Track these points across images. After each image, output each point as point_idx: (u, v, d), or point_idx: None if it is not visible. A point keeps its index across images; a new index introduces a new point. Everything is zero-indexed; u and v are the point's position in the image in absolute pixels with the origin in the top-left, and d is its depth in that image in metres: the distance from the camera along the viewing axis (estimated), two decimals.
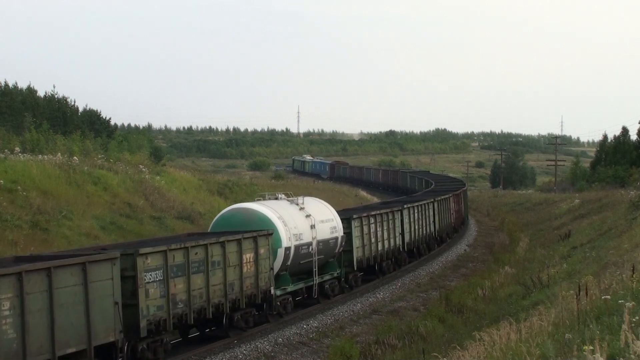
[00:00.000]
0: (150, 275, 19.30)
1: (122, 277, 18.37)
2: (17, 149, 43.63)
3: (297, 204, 28.55)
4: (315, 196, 77.12)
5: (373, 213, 34.31)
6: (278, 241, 25.86)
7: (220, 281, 22.35)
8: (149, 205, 42.77)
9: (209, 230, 27.11)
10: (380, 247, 34.69)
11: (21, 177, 36.41)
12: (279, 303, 26.26)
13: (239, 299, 23.37)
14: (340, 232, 30.33)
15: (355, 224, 31.99)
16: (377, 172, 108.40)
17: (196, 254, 21.16)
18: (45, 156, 42.96)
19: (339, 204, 67.31)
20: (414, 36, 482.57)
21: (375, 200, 78.98)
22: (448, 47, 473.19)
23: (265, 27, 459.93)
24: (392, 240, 36.32)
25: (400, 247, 37.83)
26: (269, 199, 28.88)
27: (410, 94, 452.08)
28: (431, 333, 22.76)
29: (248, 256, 23.71)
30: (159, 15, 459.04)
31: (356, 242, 32.04)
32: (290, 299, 27.16)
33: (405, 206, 38.93)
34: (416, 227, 40.78)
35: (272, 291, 25.26)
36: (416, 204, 41.39)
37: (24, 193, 34.92)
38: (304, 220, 27.93)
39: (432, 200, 45.65)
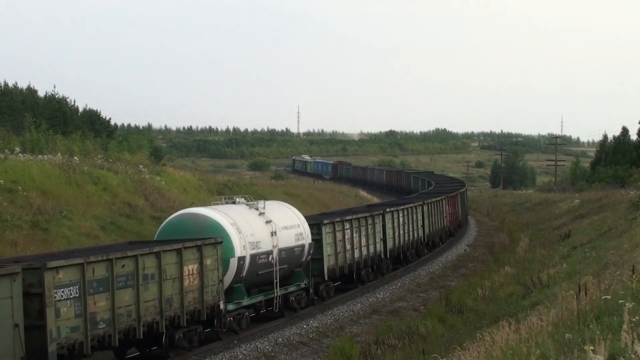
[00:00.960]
0: (63, 292, 16.99)
1: (28, 294, 16.24)
2: (17, 149, 43.60)
3: (257, 209, 26.01)
4: (316, 196, 77.42)
5: (348, 218, 31.81)
6: (230, 250, 23.41)
7: (154, 297, 19.80)
8: (149, 205, 42.74)
9: (155, 238, 24.46)
10: (357, 255, 32.22)
11: (21, 177, 36.38)
12: (231, 319, 23.67)
13: (179, 316, 20.80)
14: (307, 239, 27.74)
15: (326, 229, 29.44)
16: (380, 173, 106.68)
17: (123, 266, 18.74)
18: (45, 156, 42.94)
19: (339, 204, 67.46)
20: (414, 36, 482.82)
21: (375, 200, 79.01)
22: (448, 47, 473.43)
23: (265, 27, 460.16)
24: (372, 247, 33.81)
25: (382, 254, 35.29)
26: (226, 203, 26.49)
27: (410, 94, 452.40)
28: (431, 333, 22.76)
29: (191, 268, 21.21)
30: (158, 15, 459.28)
31: (327, 250, 29.43)
32: (247, 313, 24.73)
33: (387, 210, 36.48)
34: (401, 232, 38.27)
35: (222, 306, 22.67)
36: (401, 207, 38.91)
37: (24, 193, 34.89)
38: (263, 227, 25.37)
39: (421, 203, 43.19)
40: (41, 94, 65.23)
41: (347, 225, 31.36)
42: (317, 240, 28.76)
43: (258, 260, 24.65)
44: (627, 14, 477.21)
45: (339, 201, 72.10)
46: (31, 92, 64.42)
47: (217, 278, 22.47)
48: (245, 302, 24.48)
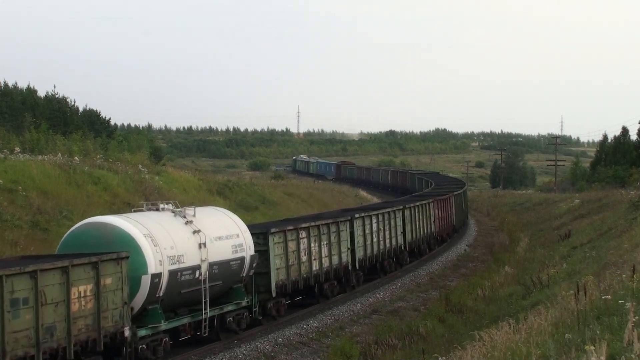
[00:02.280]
0: None
1: None
2: (17, 149, 43.60)
3: (184, 217, 22.24)
4: (316, 196, 77.39)
5: (304, 225, 28.28)
6: (142, 266, 19.87)
7: (27, 325, 16.27)
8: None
9: (56, 252, 20.91)
10: (317, 267, 28.71)
11: (21, 177, 36.40)
12: (144, 346, 20.09)
13: (65, 347, 17.19)
14: (249, 251, 24.17)
15: (274, 240, 25.82)
16: (385, 173, 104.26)
17: None
18: (45, 156, 42.95)
19: (339, 204, 67.48)
20: (414, 36, 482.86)
21: (375, 200, 79.01)
22: (448, 47, 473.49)
23: (265, 27, 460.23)
24: (336, 258, 30.38)
25: (349, 264, 31.86)
26: (149, 209, 22.55)
27: (410, 94, 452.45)
28: (431, 333, 22.77)
29: (82, 289, 17.69)
30: (158, 15, 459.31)
31: (276, 262, 25.89)
32: (166, 339, 21.00)
33: (357, 216, 33.11)
34: (375, 239, 34.76)
35: (128, 332, 19.17)
36: (374, 212, 35.25)
37: (24, 193, 34.92)
38: (189, 238, 21.72)
39: (401, 207, 39.33)
40: (41, 94, 65.31)
41: (303, 234, 27.81)
42: (263, 252, 25.29)
43: (180, 277, 21.02)
44: (627, 13, 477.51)
45: (339, 201, 72.16)
46: (31, 92, 64.43)
47: (120, 300, 18.84)
48: (164, 326, 20.74)
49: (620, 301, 12.46)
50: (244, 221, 26.04)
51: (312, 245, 28.42)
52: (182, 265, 21.09)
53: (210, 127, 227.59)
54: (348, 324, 27.14)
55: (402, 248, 39.12)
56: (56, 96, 64.99)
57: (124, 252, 19.22)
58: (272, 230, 26.01)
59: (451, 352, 15.51)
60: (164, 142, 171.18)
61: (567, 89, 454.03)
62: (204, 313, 22.22)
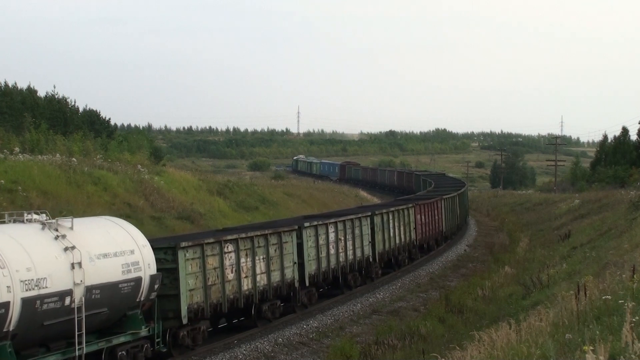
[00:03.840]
0: None
1: None
2: (17, 149, 43.61)
3: (56, 230, 17.98)
4: (316, 196, 77.27)
5: (230, 238, 23.70)
6: None
7: None
8: (148, 205, 42.78)
9: None
10: (249, 286, 24.28)
11: (21, 177, 36.41)
12: None
13: None
14: (148, 270, 19.85)
15: (186, 255, 21.71)
16: (391, 174, 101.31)
17: None
18: (45, 156, 42.95)
19: (339, 204, 67.53)
20: (414, 36, 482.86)
21: (375, 200, 78.97)
22: (448, 47, 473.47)
23: (265, 27, 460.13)
24: (277, 274, 25.99)
25: (296, 281, 27.27)
26: (13, 220, 18.29)
27: (410, 94, 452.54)
28: (431, 333, 22.76)
29: None
30: (158, 15, 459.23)
31: (189, 283, 21.78)
32: None
33: (306, 225, 28.54)
34: (332, 251, 30.38)
35: None
36: (331, 220, 30.93)
37: (24, 193, 34.91)
38: (57, 256, 17.45)
39: (369, 214, 34.98)
40: (41, 94, 65.26)
41: (230, 247, 23.48)
42: (170, 270, 21.31)
43: (42, 305, 16.83)
44: (627, 14, 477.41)
45: (339, 201, 72.18)
46: (31, 92, 64.35)
47: None
48: None
49: (620, 301, 12.46)
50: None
51: (243, 260, 24.25)
52: (44, 291, 16.85)
53: (210, 127, 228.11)
54: (348, 324, 27.12)
55: (371, 260, 34.57)
56: (56, 96, 64.97)
57: None
58: (183, 244, 21.72)
59: (451, 353, 15.49)
60: (164, 142, 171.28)
61: (567, 89, 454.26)
62: (78, 349, 17.72)
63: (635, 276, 13.80)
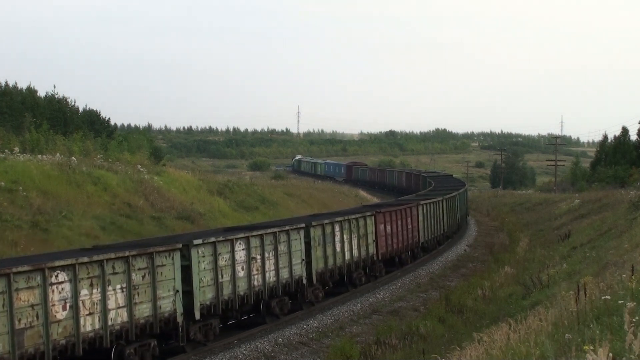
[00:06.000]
0: None
1: None
2: (17, 149, 43.61)
3: None
4: (316, 196, 77.31)
5: (60, 264, 17.40)
6: None
7: None
8: (148, 205, 42.78)
9: None
10: (123, 319, 19.08)
11: (21, 177, 36.41)
12: None
13: None
14: None
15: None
16: (400, 175, 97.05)
17: None
18: (45, 156, 42.96)
19: (340, 204, 67.51)
20: (414, 36, 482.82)
21: (375, 200, 78.98)
22: (448, 47, 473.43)
23: (265, 27, 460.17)
24: (168, 303, 20.58)
25: (179, 315, 21.02)
26: None
27: (410, 94, 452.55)
28: (431, 333, 22.78)
29: None
30: (158, 15, 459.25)
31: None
32: None
33: (195, 243, 21.84)
34: (241, 274, 23.92)
35: None
36: (240, 236, 24.06)
37: (24, 193, 34.92)
38: None
39: (303, 226, 28.05)
40: (41, 94, 65.28)
41: (62, 277, 17.43)
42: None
43: None
44: (627, 14, 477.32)
45: (339, 201, 72.17)
46: (31, 92, 64.36)
47: None
48: None
49: (620, 301, 12.46)
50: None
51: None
52: None
53: (210, 127, 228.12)
54: (348, 324, 27.13)
55: (304, 282, 27.98)
56: (56, 96, 64.99)
57: None
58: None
59: (451, 353, 15.50)
60: (164, 142, 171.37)
61: (567, 89, 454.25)
62: None
63: (634, 276, 13.81)
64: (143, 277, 19.80)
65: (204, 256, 22.23)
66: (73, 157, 44.50)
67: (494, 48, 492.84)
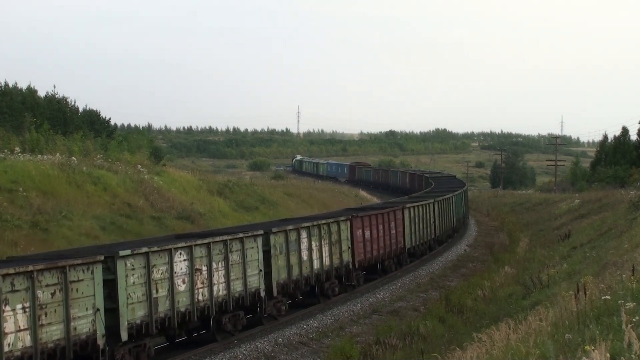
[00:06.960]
0: None
1: None
2: (17, 149, 43.62)
3: None
4: (315, 196, 77.28)
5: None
6: None
7: None
8: (148, 205, 42.78)
9: None
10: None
11: (21, 177, 36.41)
12: None
13: None
14: None
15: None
16: (404, 176, 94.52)
17: None
18: (45, 156, 42.96)
19: (340, 204, 67.45)
20: (414, 36, 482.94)
21: (375, 200, 78.99)
22: (448, 47, 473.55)
23: (265, 27, 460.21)
24: (86, 324, 17.78)
25: (96, 338, 18.00)
26: None
27: (410, 94, 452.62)
28: (431, 333, 22.78)
29: None
30: (158, 15, 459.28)
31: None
32: None
33: (122, 254, 19.11)
34: (184, 287, 21.31)
35: None
36: (180, 245, 21.25)
37: (24, 193, 34.93)
38: None
39: (260, 233, 25.08)
40: (41, 94, 65.29)
41: (6, 287, 15.85)
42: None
43: None
44: (627, 14, 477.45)
45: (338, 201, 72.14)
46: (31, 92, 64.37)
47: None
48: None
49: (620, 301, 12.46)
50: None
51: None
52: None
53: (210, 127, 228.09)
54: (348, 324, 27.13)
55: (262, 294, 25.06)
56: (56, 96, 65.00)
57: None
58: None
59: (451, 353, 15.50)
60: (164, 142, 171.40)
61: (567, 89, 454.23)
62: None
63: (634, 276, 13.81)
64: (52, 294, 16.99)
65: (133, 269, 19.46)
66: (73, 157, 44.49)
67: (494, 48, 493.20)
